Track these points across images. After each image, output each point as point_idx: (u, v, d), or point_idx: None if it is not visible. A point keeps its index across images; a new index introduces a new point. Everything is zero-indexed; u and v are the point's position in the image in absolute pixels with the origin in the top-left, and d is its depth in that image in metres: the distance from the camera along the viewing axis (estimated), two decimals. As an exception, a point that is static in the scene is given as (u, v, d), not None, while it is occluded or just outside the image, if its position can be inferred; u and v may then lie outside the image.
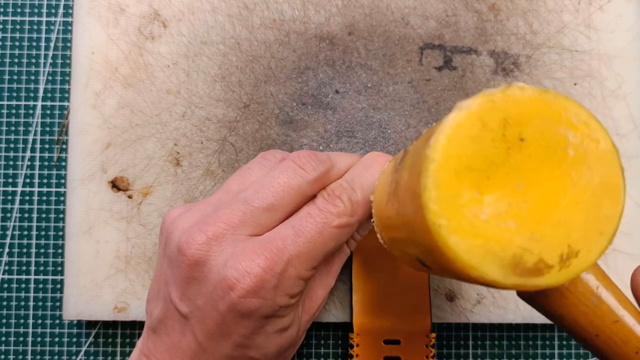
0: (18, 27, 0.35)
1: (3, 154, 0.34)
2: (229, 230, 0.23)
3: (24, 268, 0.34)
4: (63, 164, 0.34)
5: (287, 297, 0.23)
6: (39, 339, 0.34)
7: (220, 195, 0.25)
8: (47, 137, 0.34)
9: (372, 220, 0.25)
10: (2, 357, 0.33)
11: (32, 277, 0.34)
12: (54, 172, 0.34)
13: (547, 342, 0.34)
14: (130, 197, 0.32)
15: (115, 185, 0.32)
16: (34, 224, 0.34)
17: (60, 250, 0.34)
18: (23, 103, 0.34)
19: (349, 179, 0.25)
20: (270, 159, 0.26)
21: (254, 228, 0.23)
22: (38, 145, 0.34)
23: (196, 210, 0.25)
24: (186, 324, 0.23)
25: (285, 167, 0.24)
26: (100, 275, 0.31)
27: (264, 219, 0.24)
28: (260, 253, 0.22)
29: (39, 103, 0.34)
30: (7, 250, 0.34)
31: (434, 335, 0.30)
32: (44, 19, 0.35)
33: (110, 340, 0.34)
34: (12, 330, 0.34)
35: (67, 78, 0.35)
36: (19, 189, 0.34)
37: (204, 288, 0.23)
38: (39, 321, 0.34)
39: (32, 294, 0.34)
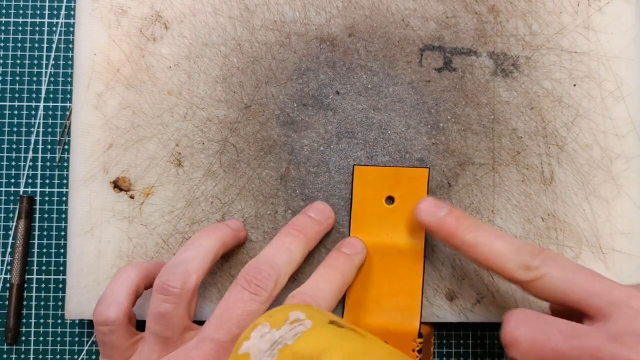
0: (20, 28, 0.35)
1: (5, 154, 0.34)
2: None
3: (26, 268, 0.34)
4: (65, 164, 0.34)
5: None
6: (40, 339, 0.34)
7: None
8: (49, 138, 0.35)
9: None
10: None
11: (34, 276, 0.34)
12: (56, 172, 0.34)
13: (547, 342, 0.34)
14: (132, 197, 0.32)
15: (117, 185, 0.32)
16: (36, 224, 0.34)
17: (62, 250, 0.34)
18: (25, 104, 0.35)
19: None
20: None
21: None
22: (40, 146, 0.34)
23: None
24: None
25: (240, 295, 0.26)
26: (102, 275, 0.31)
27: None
28: None
29: (41, 104, 0.35)
30: (9, 250, 0.34)
31: (420, 340, 0.29)
32: (46, 20, 0.35)
33: (111, 339, 0.34)
34: (14, 329, 0.34)
35: (69, 79, 0.35)
36: (21, 189, 0.34)
37: None
38: (41, 321, 0.34)
39: (34, 294, 0.34)
